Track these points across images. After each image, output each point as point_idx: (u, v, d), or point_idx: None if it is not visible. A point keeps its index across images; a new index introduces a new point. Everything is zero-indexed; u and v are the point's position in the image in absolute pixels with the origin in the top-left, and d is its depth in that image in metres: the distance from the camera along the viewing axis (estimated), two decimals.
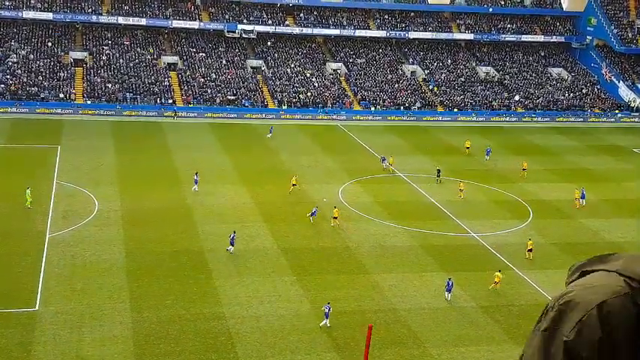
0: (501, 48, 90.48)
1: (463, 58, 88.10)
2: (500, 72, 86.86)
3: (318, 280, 35.06)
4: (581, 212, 47.63)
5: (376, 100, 78.32)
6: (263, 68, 79.92)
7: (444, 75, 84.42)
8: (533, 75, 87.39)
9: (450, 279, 34.31)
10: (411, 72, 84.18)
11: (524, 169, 55.71)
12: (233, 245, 37.32)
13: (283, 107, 74.58)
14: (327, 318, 30.42)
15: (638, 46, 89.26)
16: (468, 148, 62.52)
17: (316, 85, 79.15)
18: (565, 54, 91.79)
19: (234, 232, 38.31)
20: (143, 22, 78.96)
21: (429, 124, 74.41)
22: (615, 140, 71.22)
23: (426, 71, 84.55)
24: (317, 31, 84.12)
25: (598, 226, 45.39)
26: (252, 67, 79.82)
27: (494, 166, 56.27)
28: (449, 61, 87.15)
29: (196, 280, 33.92)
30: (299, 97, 76.46)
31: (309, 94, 77.13)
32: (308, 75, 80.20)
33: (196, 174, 47.42)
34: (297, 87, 78.09)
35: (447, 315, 32.23)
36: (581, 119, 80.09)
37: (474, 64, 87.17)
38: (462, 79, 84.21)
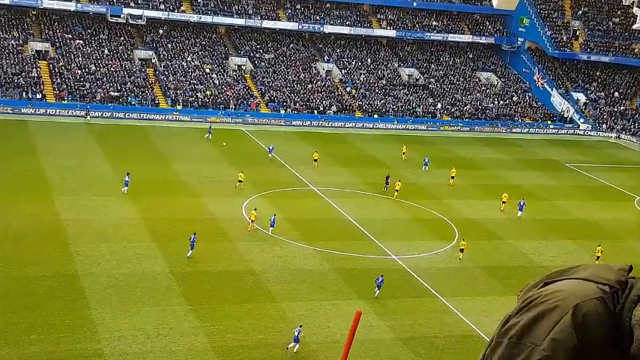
0: (426, 48, 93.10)
1: (384, 57, 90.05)
2: (425, 75, 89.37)
3: (214, 310, 34.78)
4: (510, 232, 49.51)
5: (286, 102, 78.73)
6: (154, 61, 78.72)
7: (363, 76, 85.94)
8: (461, 79, 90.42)
9: (381, 276, 37.78)
10: (327, 71, 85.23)
11: (452, 177, 58.54)
12: (192, 249, 39.58)
13: (178, 107, 73.68)
14: (296, 342, 31.57)
15: (573, 51, 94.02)
16: (404, 153, 65.45)
17: (217, 82, 78.67)
18: (495, 57, 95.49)
19: (194, 234, 40.19)
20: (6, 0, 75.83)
21: (347, 130, 75.50)
22: (547, 154, 74.62)
23: (344, 71, 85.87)
24: (218, 19, 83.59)
25: (527, 247, 47.33)
26: (140, 59, 78.41)
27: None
28: (369, 60, 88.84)
29: (68, 310, 32.92)
30: (197, 96, 75.79)
31: (208, 92, 76.60)
32: (207, 70, 79.65)
33: (127, 174, 48.92)
34: (194, 84, 77.36)
35: (363, 349, 32.69)
36: (511, 130, 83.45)
37: (396, 65, 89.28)
38: (384, 82, 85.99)
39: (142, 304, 34.46)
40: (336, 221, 48.44)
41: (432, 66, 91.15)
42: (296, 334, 31.93)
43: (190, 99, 75.22)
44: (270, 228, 44.25)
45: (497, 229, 50.01)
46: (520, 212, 53.08)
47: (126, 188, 48.48)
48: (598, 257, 45.58)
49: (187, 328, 32.87)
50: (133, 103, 72.27)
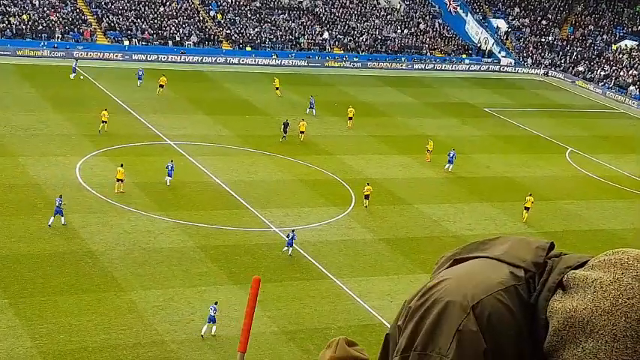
0: None
1: None
2: None
3: (41, 304, 33.95)
4: (418, 195, 50.60)
5: (131, 30, 77.20)
6: None
7: None
8: (355, 1, 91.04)
9: (293, 231, 40.75)
10: None
11: (350, 118, 60.96)
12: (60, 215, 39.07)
13: None
14: (212, 322, 33.18)
15: None
16: (277, 88, 67.17)
17: (37, 3, 76.15)
18: None
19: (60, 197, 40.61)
20: None
21: (210, 67, 74.70)
22: (462, 95, 76.49)
23: None
24: None
25: (440, 213, 48.55)
26: None
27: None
28: None
29: None
30: (9, 22, 73.18)
31: (25, 17, 74.09)
32: None
33: None
34: (5, 6, 74.53)
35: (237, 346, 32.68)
36: (418, 66, 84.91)
37: None
38: (257, 4, 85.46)
39: None
40: (200, 185, 48.03)
41: None
42: (211, 312, 33.29)
43: (1, 25, 72.51)
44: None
45: (403, 192, 50.94)
46: (450, 165, 54.98)
47: None
48: (527, 208, 48.54)
49: (5, 329, 31.98)
50: None
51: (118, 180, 45.04)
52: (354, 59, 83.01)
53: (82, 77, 65.62)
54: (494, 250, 2.20)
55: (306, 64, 79.76)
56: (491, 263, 2.17)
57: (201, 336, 33.28)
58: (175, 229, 42.19)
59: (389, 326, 2.25)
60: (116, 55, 73.68)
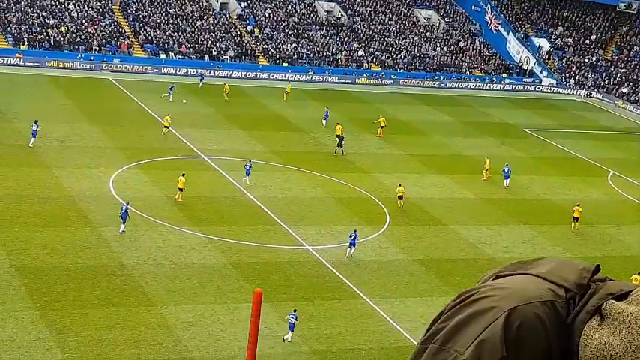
0: None
1: None
2: (349, 11, 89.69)
3: (72, 317, 34.28)
4: (456, 216, 50.49)
5: (168, 43, 77.85)
6: None
7: (268, 11, 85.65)
8: (394, 18, 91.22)
9: (355, 231, 42.67)
10: (221, 4, 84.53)
11: (382, 127, 63.21)
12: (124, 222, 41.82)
13: (22, 48, 71.89)
14: (291, 330, 34.26)
15: None
16: (287, 92, 69.77)
17: (75, 15, 77.03)
18: None
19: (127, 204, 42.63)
20: None
21: (247, 82, 75.06)
22: (502, 116, 76.29)
23: (243, 4, 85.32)
24: None
25: (477, 235, 48.41)
26: None
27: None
28: None
29: None
30: (47, 34, 74.02)
31: (63, 29, 74.94)
32: (62, 1, 77.86)
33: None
34: (44, 18, 75.48)
35: None
36: (457, 85, 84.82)
37: None
38: (295, 20, 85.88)
39: None
40: (233, 201, 48.30)
41: (358, 0, 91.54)
42: (291, 320, 34.52)
43: (39, 37, 73.42)
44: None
45: (438, 212, 50.87)
46: (507, 180, 56.79)
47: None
48: (576, 218, 50.44)
49: (35, 341, 32.27)
50: None
51: (179, 189, 46.24)
52: (392, 76, 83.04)
53: (171, 99, 65.45)
54: (538, 269, 2.19)
55: (337, 80, 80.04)
56: (533, 279, 2.16)
57: (283, 339, 34.50)
58: (207, 244, 42.43)
59: None
60: (152, 69, 74.37)
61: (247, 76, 76.73)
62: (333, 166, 55.64)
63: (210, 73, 75.19)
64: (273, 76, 78.02)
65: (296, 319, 34.59)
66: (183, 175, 46.92)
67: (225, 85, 69.09)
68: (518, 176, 59.42)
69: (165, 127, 56.80)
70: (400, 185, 50.28)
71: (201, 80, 71.28)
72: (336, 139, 58.51)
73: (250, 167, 50.50)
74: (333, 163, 56.43)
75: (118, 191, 47.00)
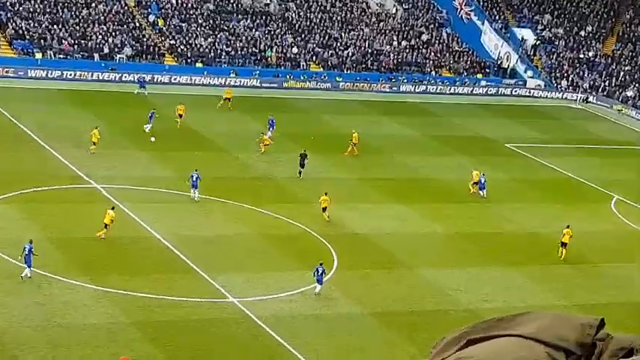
0: None
1: None
2: None
3: None
4: (421, 256, 50.72)
5: (45, 39, 77.28)
6: None
7: None
8: (338, 5, 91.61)
9: (321, 264, 43.25)
10: None
11: (354, 144, 64.69)
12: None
13: None
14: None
15: None
16: (227, 99, 72.11)
17: None
18: None
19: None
20: None
21: (151, 88, 74.53)
22: (477, 127, 76.87)
23: None
24: None
25: (448, 280, 48.64)
26: None
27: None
28: None
29: None
30: None
31: None
32: None
33: None
34: None
35: None
36: (420, 89, 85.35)
37: None
38: (211, 7, 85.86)
39: None
40: (136, 241, 48.05)
41: None
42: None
43: None
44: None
45: (400, 252, 50.99)
46: (483, 191, 60.25)
47: None
48: (564, 243, 51.86)
49: None
50: None
51: (105, 225, 46.88)
52: (336, 79, 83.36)
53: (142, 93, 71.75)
54: (525, 328, 2.21)
55: (280, 84, 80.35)
56: (523, 343, 2.18)
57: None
58: (102, 299, 41.97)
59: None
60: (25, 72, 73.69)
61: (150, 80, 76.34)
62: (263, 195, 55.54)
63: (103, 76, 75.14)
64: (182, 79, 77.84)
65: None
66: (112, 208, 47.91)
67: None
68: (498, 205, 59.96)
69: (94, 142, 58.31)
70: (326, 194, 52.53)
71: (142, 87, 72.94)
72: (299, 157, 59.49)
73: (197, 177, 52.21)
74: (263, 191, 56.36)
75: None
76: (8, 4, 79.04)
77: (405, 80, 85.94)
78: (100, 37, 79.39)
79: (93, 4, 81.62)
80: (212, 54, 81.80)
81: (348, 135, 68.61)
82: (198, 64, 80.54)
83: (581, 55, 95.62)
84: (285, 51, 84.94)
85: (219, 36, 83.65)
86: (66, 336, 38.88)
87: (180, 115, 66.45)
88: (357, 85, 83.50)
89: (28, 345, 37.93)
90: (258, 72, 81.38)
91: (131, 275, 44.40)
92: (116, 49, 78.97)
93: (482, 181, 59.95)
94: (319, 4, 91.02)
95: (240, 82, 79.46)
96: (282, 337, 41.09)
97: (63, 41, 77.78)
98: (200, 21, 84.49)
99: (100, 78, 75.45)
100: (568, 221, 57.06)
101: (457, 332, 2.26)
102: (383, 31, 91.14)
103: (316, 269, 43.57)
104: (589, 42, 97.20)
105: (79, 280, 43.34)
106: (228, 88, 74.49)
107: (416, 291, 47.21)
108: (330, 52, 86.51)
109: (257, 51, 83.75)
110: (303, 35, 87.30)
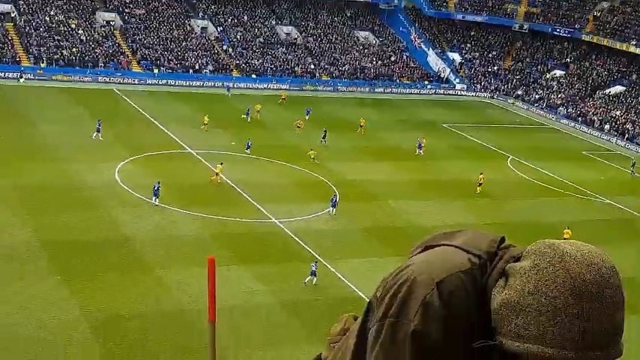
0: (303, 5, 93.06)
1: (261, 15, 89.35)
2: (304, 34, 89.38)
3: (90, 280, 33.88)
4: (391, 193, 50.63)
5: (160, 60, 77.09)
6: (14, 14, 74.80)
7: (239, 34, 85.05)
8: (339, 38, 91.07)
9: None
10: (202, 28, 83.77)
11: (361, 126, 63.75)
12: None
13: (42, 65, 70.70)
14: (314, 276, 35.73)
15: (448, 10, 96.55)
16: (284, 99, 70.81)
17: (84, 39, 75.87)
18: (372, 16, 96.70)
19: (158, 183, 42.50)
20: None
21: (224, 91, 74.49)
22: (425, 114, 76.62)
23: (219, 28, 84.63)
24: None
25: (408, 208, 48.65)
26: None
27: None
28: (245, 17, 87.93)
29: None
30: (62, 54, 72.88)
31: (74, 49, 73.82)
32: (73, 26, 76.56)
33: None
34: (59, 41, 74.25)
35: (244, 313, 32.80)
36: (390, 90, 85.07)
37: (273, 23, 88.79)
38: (261, 40, 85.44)
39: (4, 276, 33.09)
40: (215, 185, 48.08)
41: (310, 24, 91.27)
42: (313, 268, 36.04)
43: (55, 56, 72.28)
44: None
45: (378, 191, 51.03)
46: (420, 150, 59.74)
47: None
48: (480, 183, 52.54)
49: (59, 301, 31.84)
50: None
51: (216, 174, 47.50)
52: (338, 84, 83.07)
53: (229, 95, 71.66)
54: (457, 240, 2.21)
55: (303, 87, 79.80)
56: (454, 250, 2.18)
57: (304, 283, 35.89)
58: (195, 220, 42.22)
59: (367, 300, 2.32)
60: (147, 81, 73.57)
61: (224, 85, 75.99)
62: (292, 157, 55.56)
63: (191, 84, 74.82)
64: (242, 85, 77.73)
65: (316, 267, 36.49)
66: (221, 163, 48.24)
67: (283, 93, 73.01)
68: (438, 161, 59.92)
69: (205, 123, 58.30)
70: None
71: (228, 91, 72.63)
72: (323, 132, 60.23)
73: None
74: (292, 154, 56.33)
75: (121, 179, 46.55)
76: (137, 39, 78.74)
77: (380, 85, 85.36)
78: (193, 58, 79.06)
79: (189, 39, 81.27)
80: (262, 69, 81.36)
81: (345, 119, 68.47)
82: (253, 75, 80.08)
83: (489, 69, 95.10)
84: (306, 67, 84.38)
85: (266, 58, 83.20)
86: (173, 242, 39.12)
87: (258, 111, 65.37)
88: (350, 89, 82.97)
89: (150, 247, 38.19)
90: (290, 80, 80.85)
91: (211, 204, 44.56)
92: (202, 67, 78.60)
93: (420, 144, 60.51)
94: (327, 38, 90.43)
95: (278, 87, 78.99)
96: (304, 242, 41.27)
97: (170, 61, 77.50)
98: (255, 49, 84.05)
99: (193, 85, 75.29)
100: (480, 170, 56.63)
101: (423, 240, 2.28)
102: (367, 54, 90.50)
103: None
104: (494, 60, 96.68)
105: (180, 207, 43.56)
106: (283, 91, 74.44)
107: (388, 216, 47.11)
108: (334, 67, 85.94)
109: (289, 67, 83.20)
110: (317, 57, 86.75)
